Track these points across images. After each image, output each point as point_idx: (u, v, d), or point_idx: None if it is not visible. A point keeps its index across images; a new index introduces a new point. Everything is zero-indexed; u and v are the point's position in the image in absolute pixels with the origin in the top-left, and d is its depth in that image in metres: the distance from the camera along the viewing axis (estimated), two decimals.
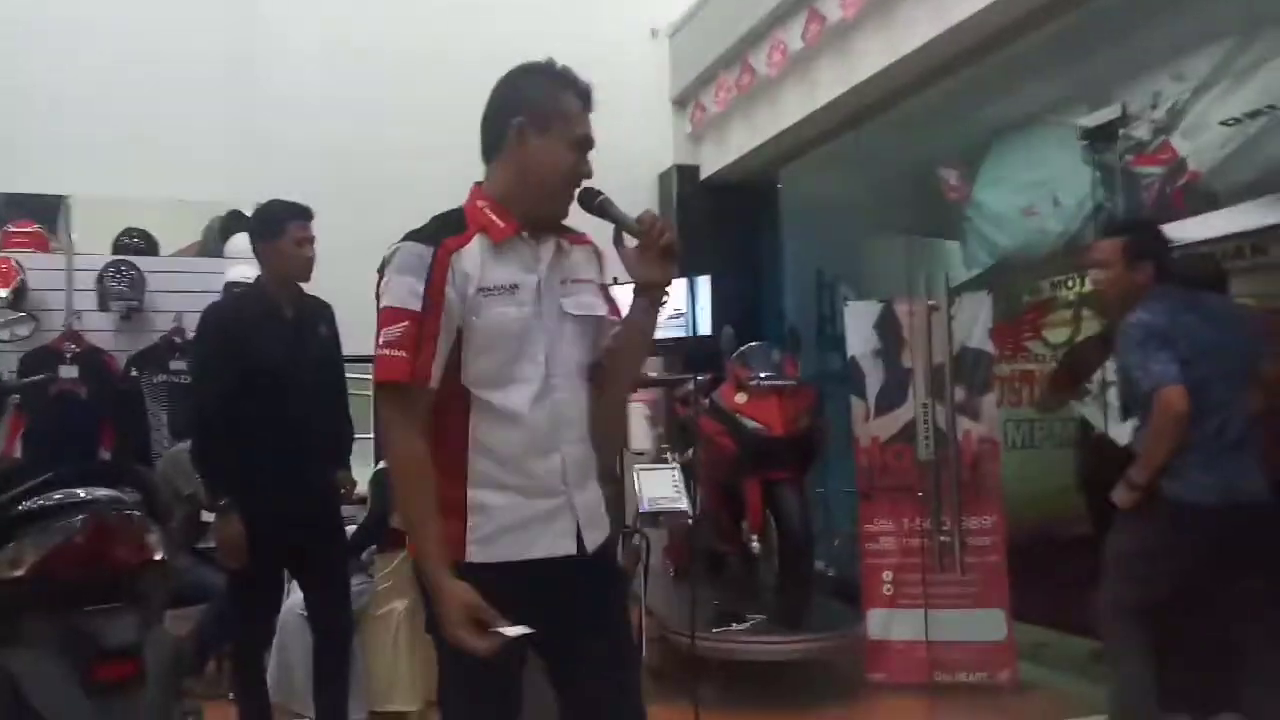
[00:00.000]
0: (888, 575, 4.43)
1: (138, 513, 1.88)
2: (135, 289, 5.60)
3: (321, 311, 3.49)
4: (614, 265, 2.08)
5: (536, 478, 1.88)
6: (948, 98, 5.35)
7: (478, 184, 2.01)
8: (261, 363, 3.21)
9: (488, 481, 1.86)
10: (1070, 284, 5.51)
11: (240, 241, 5.95)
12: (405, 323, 1.81)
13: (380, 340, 1.83)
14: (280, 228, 3.32)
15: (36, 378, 4.06)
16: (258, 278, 3.45)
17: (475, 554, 1.84)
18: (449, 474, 1.84)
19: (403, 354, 1.80)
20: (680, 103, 6.99)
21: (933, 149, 6.00)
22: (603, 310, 2.02)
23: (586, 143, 2.01)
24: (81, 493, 1.86)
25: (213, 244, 6.08)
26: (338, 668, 3.44)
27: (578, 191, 2.00)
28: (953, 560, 4.28)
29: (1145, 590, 3.13)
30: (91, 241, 5.87)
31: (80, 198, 5.92)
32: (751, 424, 4.42)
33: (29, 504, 1.83)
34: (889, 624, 4.39)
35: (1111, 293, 3.22)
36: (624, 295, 2.03)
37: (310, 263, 3.37)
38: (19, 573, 1.77)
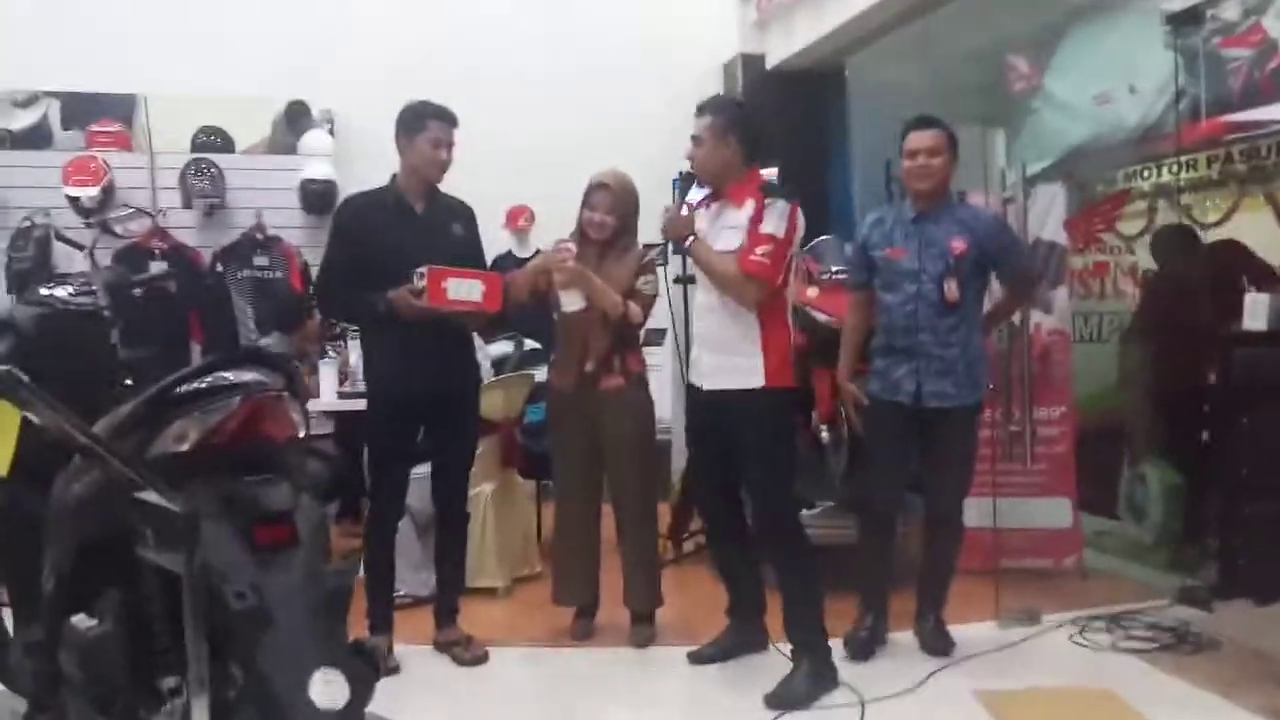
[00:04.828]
0: None
1: (285, 393, 2.05)
2: (217, 186, 5.74)
3: (457, 211, 3.59)
4: None
5: None
6: None
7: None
8: (386, 254, 3.34)
9: None
10: (1146, 174, 5.41)
11: (314, 139, 6.07)
12: None
13: None
14: (421, 124, 3.41)
15: (157, 273, 4.20)
16: (394, 174, 3.53)
17: None
18: None
19: None
20: None
21: (1007, 36, 5.83)
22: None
23: None
24: (232, 376, 2.01)
25: (281, 138, 6.17)
26: (456, 543, 3.69)
27: None
28: (1021, 450, 4.36)
29: None
30: (166, 139, 5.99)
31: (153, 96, 6.02)
32: (822, 317, 4.47)
33: (188, 387, 1.99)
34: None
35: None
36: None
37: (443, 166, 3.46)
38: (185, 447, 1.94)
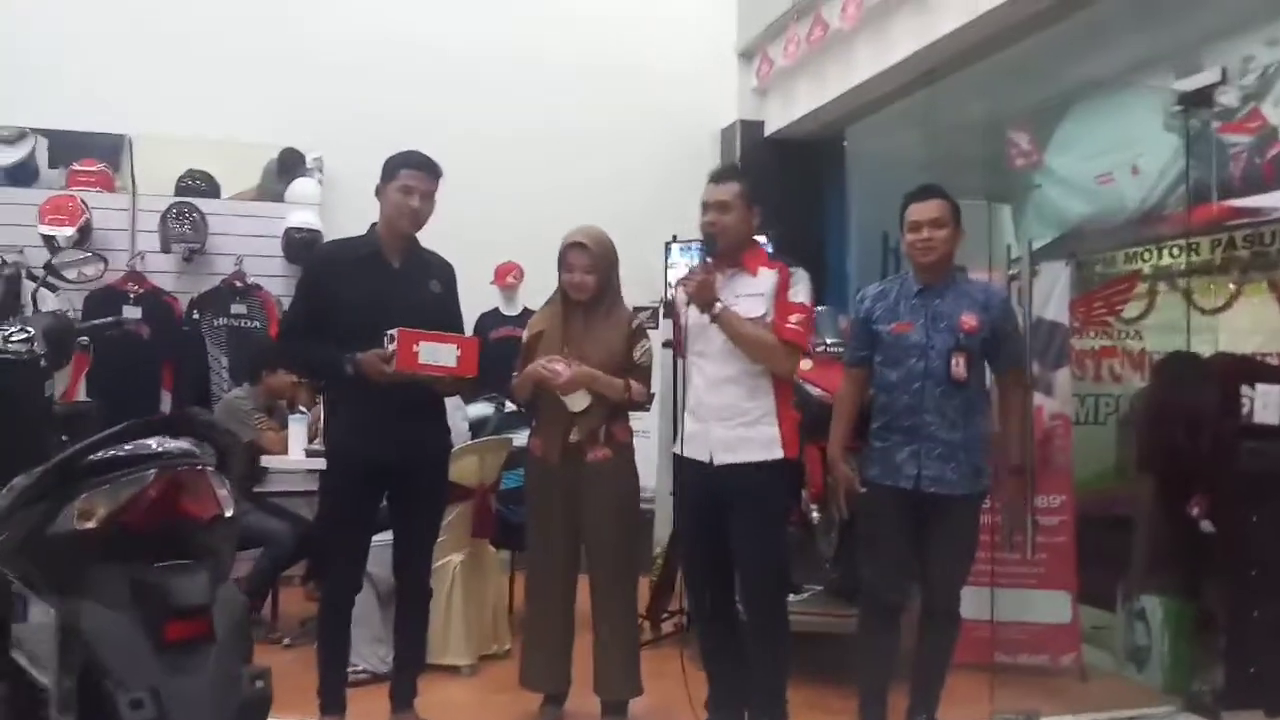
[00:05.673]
0: None
1: (210, 467, 1.82)
2: (198, 232, 5.61)
3: (437, 267, 3.41)
4: None
5: None
6: (1026, 58, 5.13)
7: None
8: (356, 307, 3.16)
9: None
10: (1147, 256, 5.30)
11: (302, 186, 5.95)
12: None
13: None
14: (393, 173, 3.25)
15: (108, 320, 3.90)
16: (373, 224, 3.35)
17: None
18: None
19: None
20: (746, 55, 6.80)
21: (1009, 110, 5.77)
22: None
23: None
24: (153, 444, 1.80)
25: (271, 185, 6.05)
26: (416, 620, 3.45)
27: None
28: (1021, 540, 4.16)
29: None
30: (153, 182, 5.87)
31: (142, 137, 5.92)
32: (816, 391, 4.30)
33: (100, 454, 1.77)
34: None
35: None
36: None
37: (414, 214, 3.26)
38: (90, 525, 1.71)
